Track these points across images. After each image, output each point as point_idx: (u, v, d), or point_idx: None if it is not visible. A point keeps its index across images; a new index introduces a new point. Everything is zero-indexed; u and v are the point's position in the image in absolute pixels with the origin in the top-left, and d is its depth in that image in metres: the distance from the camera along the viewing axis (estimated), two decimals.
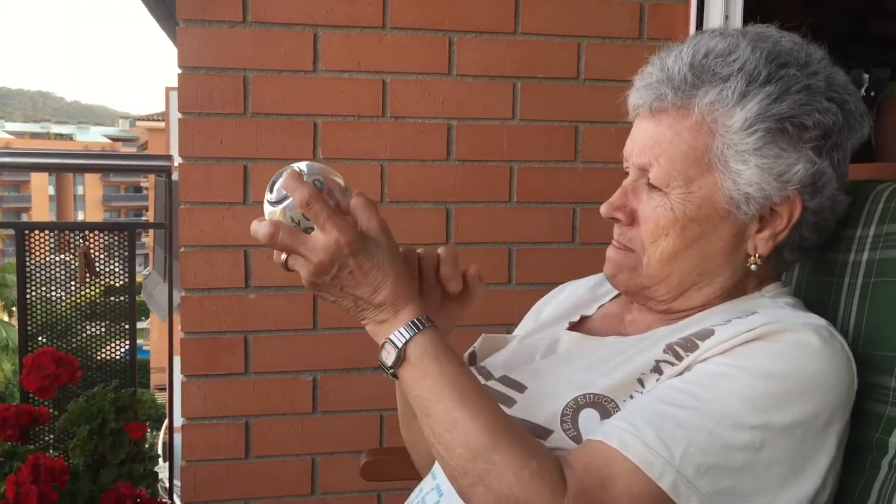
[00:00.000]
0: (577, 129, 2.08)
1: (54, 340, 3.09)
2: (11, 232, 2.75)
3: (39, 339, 3.00)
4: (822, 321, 0.92)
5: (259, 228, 0.88)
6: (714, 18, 2.04)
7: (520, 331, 1.29)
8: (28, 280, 2.69)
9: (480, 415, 0.87)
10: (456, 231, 2.04)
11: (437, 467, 1.06)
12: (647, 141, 0.99)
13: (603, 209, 1.03)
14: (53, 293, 3.03)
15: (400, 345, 0.90)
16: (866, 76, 2.85)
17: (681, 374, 0.91)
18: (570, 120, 2.08)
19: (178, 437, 2.18)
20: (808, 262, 1.12)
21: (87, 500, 2.01)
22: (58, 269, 2.99)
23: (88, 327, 3.40)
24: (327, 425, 2.02)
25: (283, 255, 0.90)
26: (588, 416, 0.93)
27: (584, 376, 0.98)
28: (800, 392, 0.87)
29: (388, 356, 0.91)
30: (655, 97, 0.98)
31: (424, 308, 0.93)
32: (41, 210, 44.55)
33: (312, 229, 0.88)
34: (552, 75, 2.06)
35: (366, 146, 1.98)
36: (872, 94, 2.79)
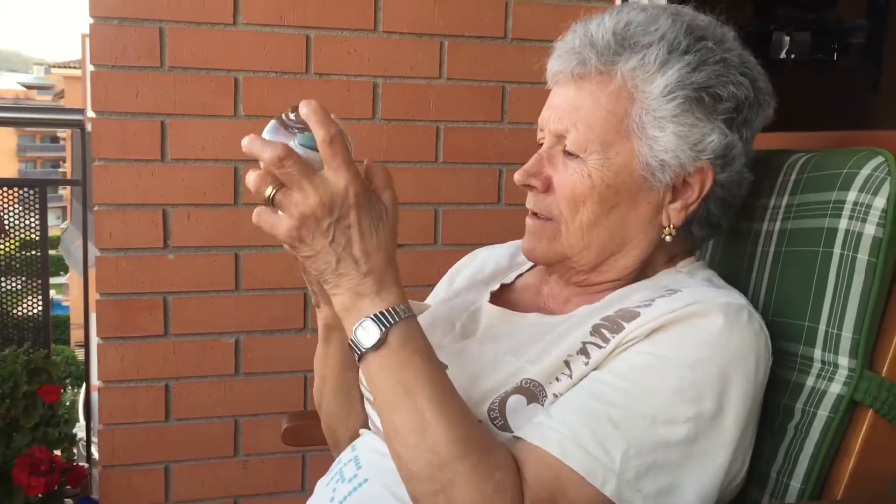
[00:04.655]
0: (503, 90, 2.07)
1: None
2: None
3: None
4: (742, 300, 0.93)
5: (266, 148, 0.80)
6: None
7: (433, 299, 1.27)
8: None
9: (456, 423, 0.83)
10: None
11: (359, 441, 1.05)
12: (566, 107, 0.99)
13: (517, 176, 1.02)
14: None
15: (386, 326, 0.83)
16: (787, 38, 2.88)
17: (609, 355, 0.90)
18: (497, 80, 2.06)
19: (95, 396, 2.13)
20: (721, 236, 1.13)
21: (0, 465, 1.96)
22: None
23: (5, 282, 3.29)
24: (250, 387, 1.99)
25: (271, 190, 0.82)
26: (515, 402, 0.91)
27: (510, 360, 0.96)
28: (726, 377, 0.87)
29: (367, 336, 0.84)
30: (578, 62, 0.98)
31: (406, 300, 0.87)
32: None
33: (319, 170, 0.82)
34: (479, 34, 2.03)
35: (289, 104, 1.91)
36: (793, 56, 2.84)
